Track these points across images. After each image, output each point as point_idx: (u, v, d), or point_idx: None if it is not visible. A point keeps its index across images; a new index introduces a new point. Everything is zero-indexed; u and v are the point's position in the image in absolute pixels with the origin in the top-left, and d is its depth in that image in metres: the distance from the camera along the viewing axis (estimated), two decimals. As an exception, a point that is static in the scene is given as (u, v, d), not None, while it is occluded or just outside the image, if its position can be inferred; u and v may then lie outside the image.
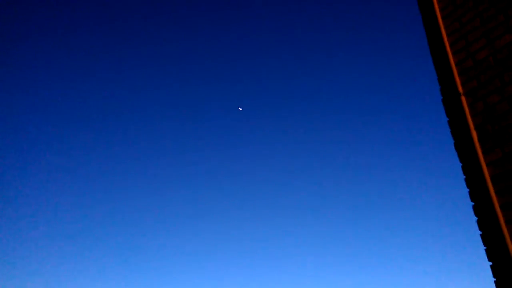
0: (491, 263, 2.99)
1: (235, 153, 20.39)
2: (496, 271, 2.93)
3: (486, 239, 3.05)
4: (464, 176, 3.33)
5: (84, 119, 19.94)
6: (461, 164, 3.38)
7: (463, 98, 3.46)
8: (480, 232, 3.11)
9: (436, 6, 3.79)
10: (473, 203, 3.22)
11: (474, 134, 3.34)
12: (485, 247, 3.06)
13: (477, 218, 3.16)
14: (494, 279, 2.96)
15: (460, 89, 3.50)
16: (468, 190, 3.27)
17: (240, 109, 19.39)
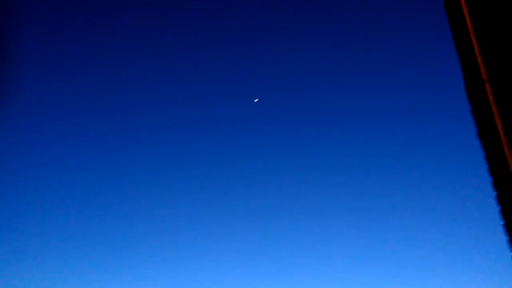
0: (514, 253, 2.94)
1: (236, 153, 20.35)
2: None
3: (510, 229, 3.00)
4: (487, 165, 3.27)
5: (83, 117, 20.34)
6: (484, 153, 3.32)
7: (487, 85, 3.39)
8: (503, 222, 3.05)
9: (459, -9, 3.71)
10: (496, 192, 3.16)
11: (499, 121, 3.26)
12: (507, 237, 3.01)
13: (500, 207, 3.10)
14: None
15: (484, 76, 3.42)
16: (491, 179, 3.21)
17: (257, 100, 19.10)
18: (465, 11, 3.63)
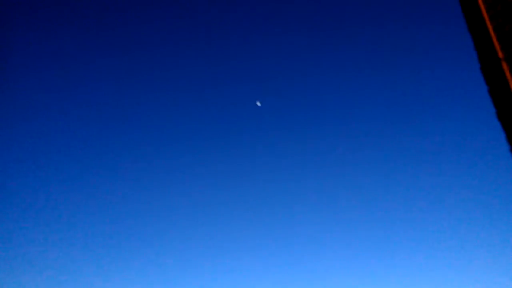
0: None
1: (236, 154, 19.47)
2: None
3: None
4: (509, 146, 3.42)
5: (85, 118, 19.02)
6: (505, 134, 3.43)
7: (504, 64, 3.33)
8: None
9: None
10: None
11: (517, 100, 3.30)
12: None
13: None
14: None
15: (500, 54, 3.34)
16: (514, 160, 3.39)
17: (259, 104, 17.88)
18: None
